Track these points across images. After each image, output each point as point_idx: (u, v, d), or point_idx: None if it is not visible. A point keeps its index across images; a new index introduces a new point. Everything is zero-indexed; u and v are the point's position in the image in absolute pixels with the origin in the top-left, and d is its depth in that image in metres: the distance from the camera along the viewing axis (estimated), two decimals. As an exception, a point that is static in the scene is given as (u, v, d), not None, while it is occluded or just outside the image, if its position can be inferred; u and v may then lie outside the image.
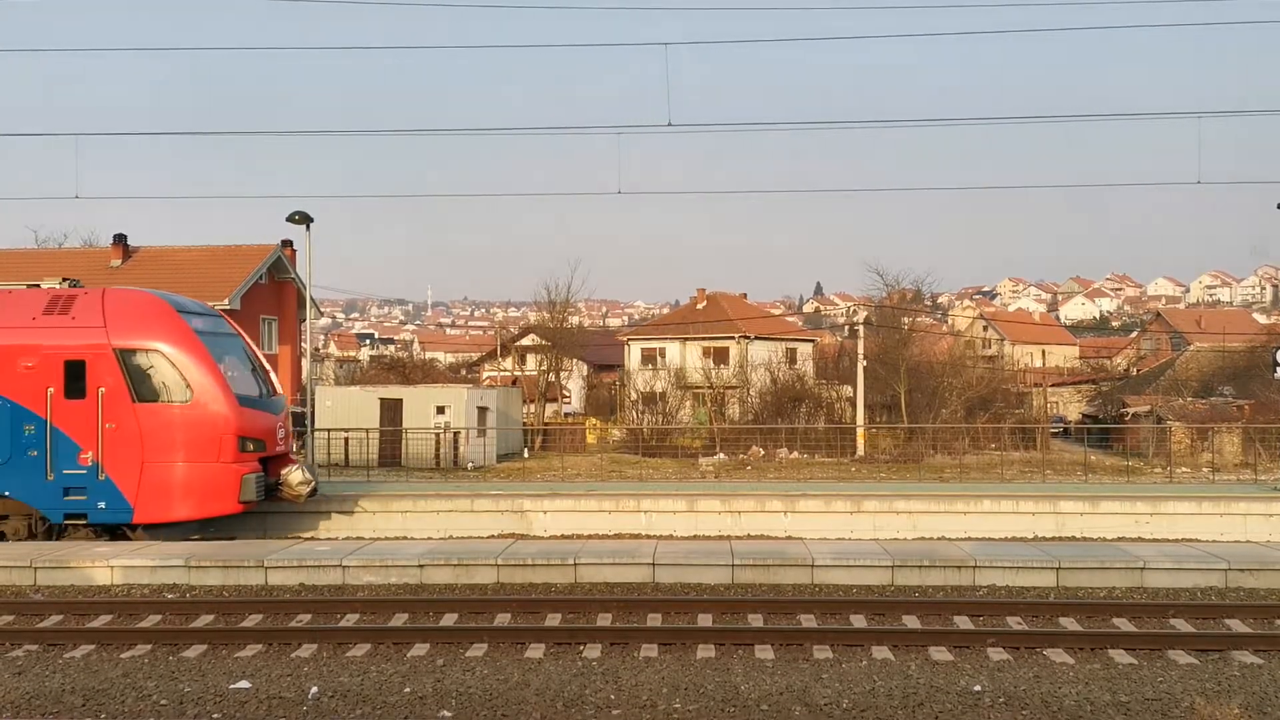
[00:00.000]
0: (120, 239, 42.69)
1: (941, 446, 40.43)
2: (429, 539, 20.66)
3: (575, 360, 66.95)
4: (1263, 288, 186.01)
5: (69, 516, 19.25)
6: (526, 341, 70.79)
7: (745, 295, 76.87)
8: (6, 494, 19.18)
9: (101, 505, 19.09)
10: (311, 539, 20.81)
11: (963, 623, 13.60)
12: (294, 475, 20.59)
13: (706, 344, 62.27)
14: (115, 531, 19.47)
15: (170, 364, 19.16)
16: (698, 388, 57.22)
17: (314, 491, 21.29)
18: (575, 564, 16.24)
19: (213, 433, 19.23)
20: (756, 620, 13.67)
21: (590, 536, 21.48)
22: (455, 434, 38.40)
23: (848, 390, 51.78)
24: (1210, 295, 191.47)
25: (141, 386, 19.16)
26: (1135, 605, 14.37)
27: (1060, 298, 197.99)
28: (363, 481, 28.67)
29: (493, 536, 21.51)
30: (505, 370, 67.83)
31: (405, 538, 21.34)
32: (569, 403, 67.27)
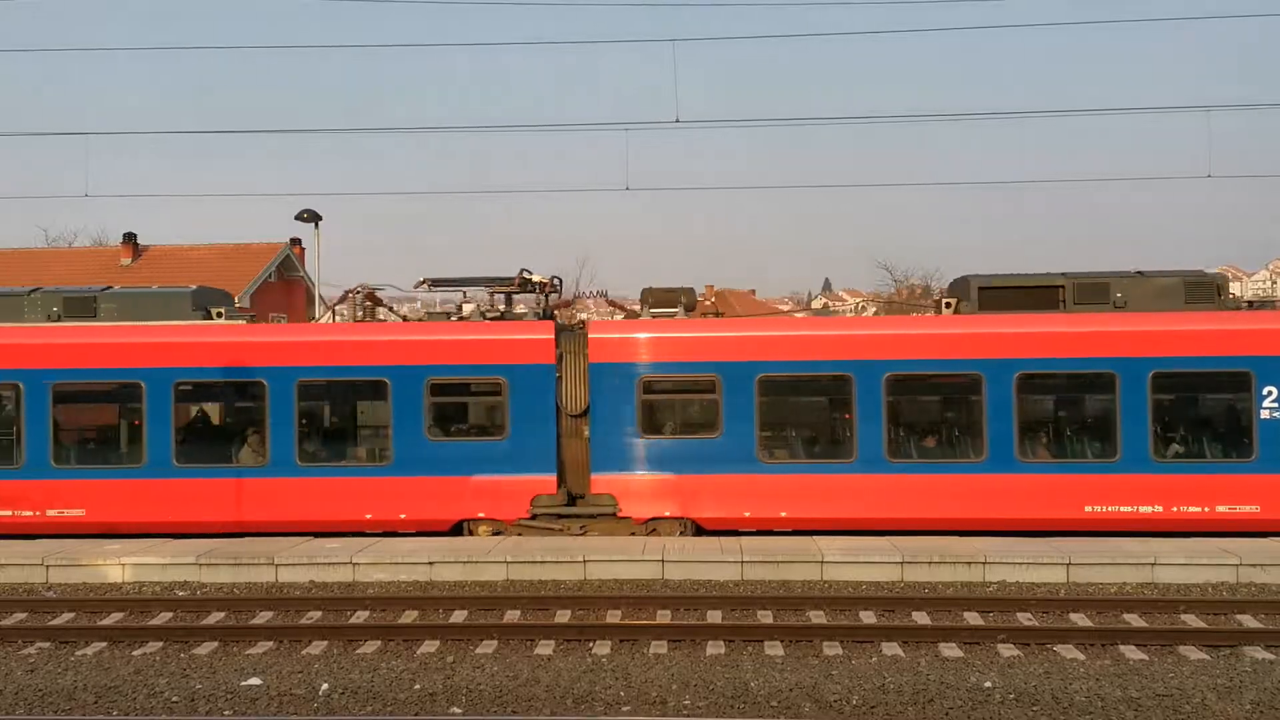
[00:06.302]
0: (130, 237, 42.69)
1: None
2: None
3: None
4: (1273, 281, 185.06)
5: None
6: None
7: (754, 291, 76.89)
8: None
9: None
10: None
11: (972, 619, 13.63)
12: None
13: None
14: None
15: None
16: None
17: None
18: (584, 561, 16.26)
19: None
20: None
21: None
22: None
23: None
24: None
25: None
26: (1146, 601, 14.36)
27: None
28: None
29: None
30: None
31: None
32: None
